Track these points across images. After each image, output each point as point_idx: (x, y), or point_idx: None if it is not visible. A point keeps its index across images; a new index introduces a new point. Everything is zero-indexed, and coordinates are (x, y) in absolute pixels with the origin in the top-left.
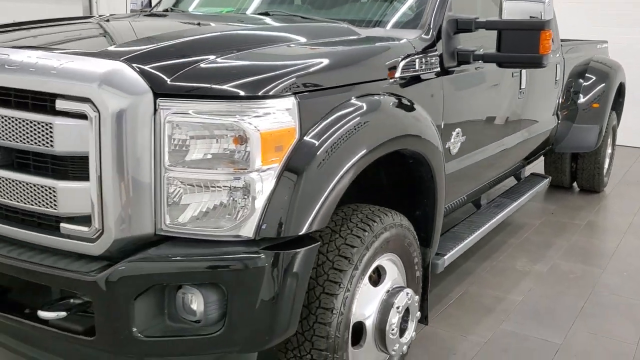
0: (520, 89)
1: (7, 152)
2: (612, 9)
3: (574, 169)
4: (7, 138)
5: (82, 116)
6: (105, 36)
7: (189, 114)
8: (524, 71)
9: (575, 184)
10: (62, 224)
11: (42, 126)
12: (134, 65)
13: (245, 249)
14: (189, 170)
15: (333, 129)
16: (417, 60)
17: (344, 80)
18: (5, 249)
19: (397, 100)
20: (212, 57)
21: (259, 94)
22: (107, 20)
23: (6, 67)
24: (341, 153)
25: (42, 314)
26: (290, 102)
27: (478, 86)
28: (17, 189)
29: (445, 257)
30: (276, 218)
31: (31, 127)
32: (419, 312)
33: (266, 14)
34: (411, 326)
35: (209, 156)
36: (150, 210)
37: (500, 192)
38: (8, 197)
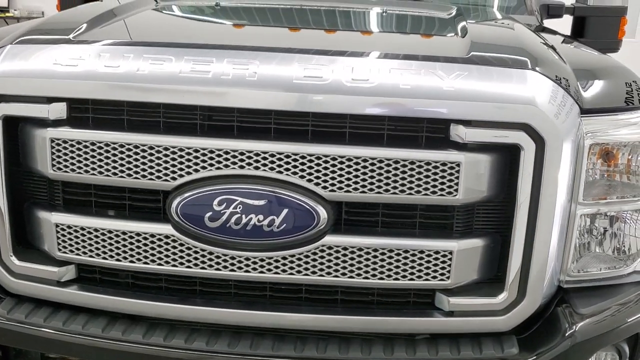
0: None
1: (335, 209)
2: None
3: None
4: (355, 188)
5: (493, 149)
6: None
7: (608, 132)
8: None
9: None
10: (451, 299)
11: (435, 167)
12: (548, 75)
13: None
14: (605, 202)
15: None
16: None
17: None
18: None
19: None
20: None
21: None
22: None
23: (352, 86)
24: None
25: None
26: None
27: None
28: (358, 259)
29: None
30: None
31: (411, 169)
32: None
33: None
34: None
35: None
36: (560, 261)
37: None
38: (341, 274)
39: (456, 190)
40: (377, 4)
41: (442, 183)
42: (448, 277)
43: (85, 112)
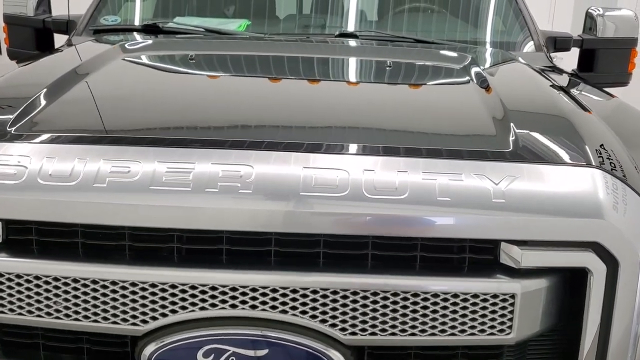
0: None
1: (355, 355)
2: None
3: None
4: (382, 330)
5: (554, 271)
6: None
7: None
8: None
9: None
10: None
11: (484, 300)
12: (612, 170)
13: None
14: None
15: None
16: None
17: None
18: None
19: None
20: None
21: None
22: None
23: (375, 199)
24: None
25: None
26: None
27: None
28: None
29: None
30: None
31: (453, 304)
32: None
33: (353, 35)
34: None
35: None
36: None
37: None
38: None
39: (509, 327)
40: (378, 52)
41: (493, 319)
42: None
43: (27, 233)
